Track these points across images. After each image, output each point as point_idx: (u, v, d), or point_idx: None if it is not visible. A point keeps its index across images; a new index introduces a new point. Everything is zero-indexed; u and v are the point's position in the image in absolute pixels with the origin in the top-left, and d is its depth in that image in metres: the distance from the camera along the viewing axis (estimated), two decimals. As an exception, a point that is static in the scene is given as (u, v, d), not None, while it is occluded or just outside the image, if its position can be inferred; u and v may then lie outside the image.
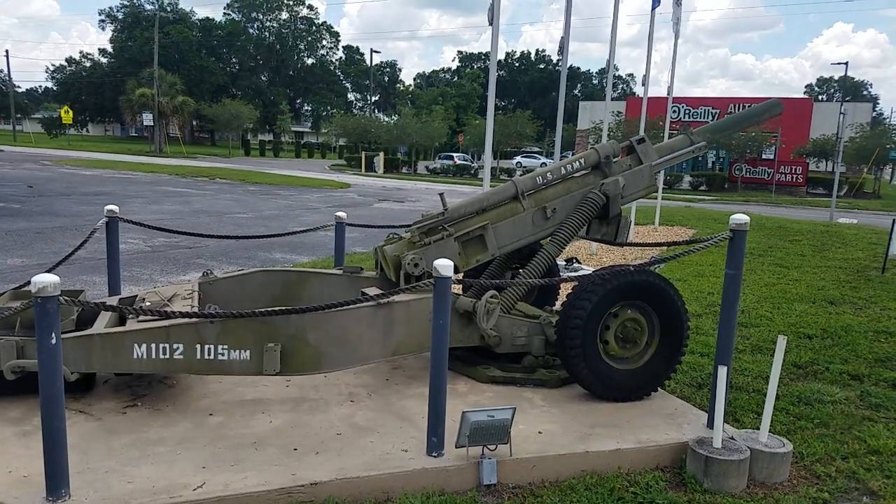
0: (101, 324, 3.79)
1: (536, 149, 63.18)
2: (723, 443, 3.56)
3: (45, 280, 2.66)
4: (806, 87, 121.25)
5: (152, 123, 49.66)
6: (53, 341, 2.69)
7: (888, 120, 59.00)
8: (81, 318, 3.88)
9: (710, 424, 3.91)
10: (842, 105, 31.15)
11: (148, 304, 4.15)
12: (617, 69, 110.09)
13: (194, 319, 3.54)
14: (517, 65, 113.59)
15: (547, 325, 4.58)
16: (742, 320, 6.85)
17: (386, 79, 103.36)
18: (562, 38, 9.23)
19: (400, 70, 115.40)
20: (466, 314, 4.35)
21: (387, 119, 57.83)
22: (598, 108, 64.36)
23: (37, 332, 2.70)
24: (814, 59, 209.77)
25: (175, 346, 3.65)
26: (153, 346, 3.63)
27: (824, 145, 44.37)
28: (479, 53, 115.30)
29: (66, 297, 2.73)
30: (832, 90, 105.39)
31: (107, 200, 16.47)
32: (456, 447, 3.38)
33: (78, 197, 17.15)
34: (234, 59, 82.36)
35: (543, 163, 57.94)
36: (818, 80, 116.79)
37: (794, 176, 35.48)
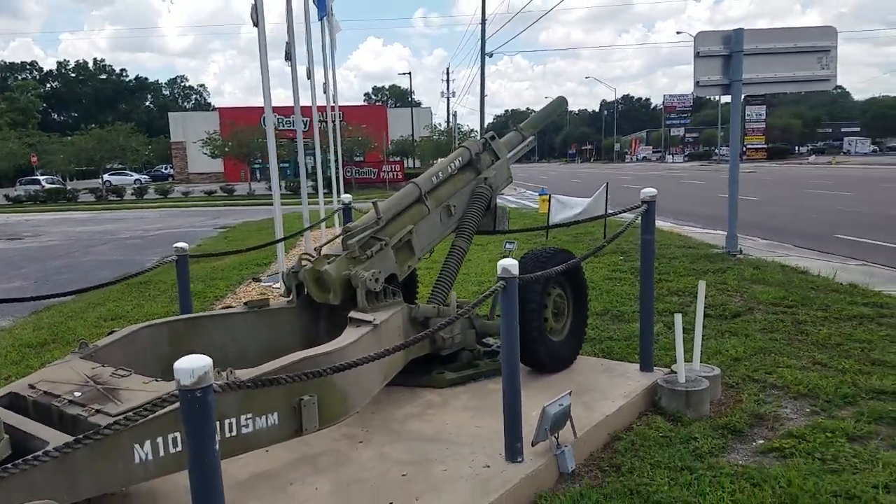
0: (54, 432, 2.64)
1: (119, 164, 57.27)
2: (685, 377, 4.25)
3: (201, 364, 1.86)
4: (364, 94, 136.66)
5: None
6: (217, 451, 1.90)
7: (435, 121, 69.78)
8: None
9: (643, 368, 4.59)
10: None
11: (77, 394, 2.98)
12: (186, 79, 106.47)
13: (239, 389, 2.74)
14: (73, 75, 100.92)
15: (475, 317, 4.68)
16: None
17: None
18: (287, 42, 8.93)
19: None
20: (423, 322, 4.20)
21: None
22: (189, 119, 61.52)
23: (190, 443, 1.87)
24: (357, 70, 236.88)
25: (189, 432, 2.76)
26: (159, 441, 2.69)
27: (403, 145, 51.59)
28: (24, 63, 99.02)
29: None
30: (385, 97, 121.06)
31: None
32: (532, 444, 3.35)
33: None
34: None
35: (137, 179, 53.06)
36: (373, 88, 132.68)
37: (395, 173, 39.85)
